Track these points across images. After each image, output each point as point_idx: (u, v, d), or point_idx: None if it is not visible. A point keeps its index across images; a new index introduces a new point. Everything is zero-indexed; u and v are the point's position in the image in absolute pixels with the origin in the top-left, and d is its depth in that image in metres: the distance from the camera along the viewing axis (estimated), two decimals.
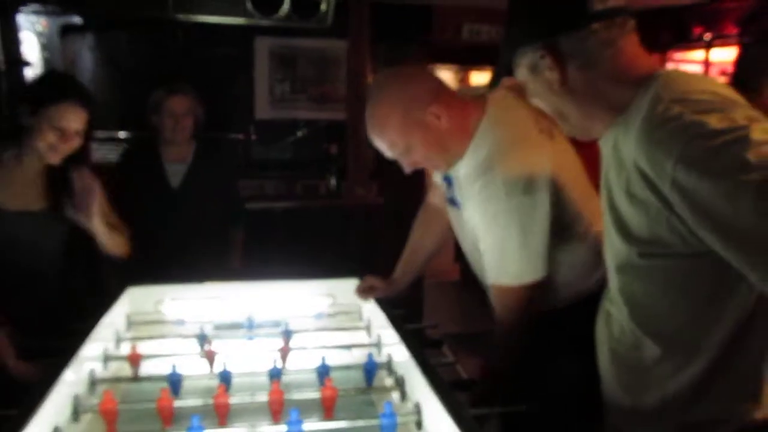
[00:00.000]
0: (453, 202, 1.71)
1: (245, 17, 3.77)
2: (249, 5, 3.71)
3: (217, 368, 1.56)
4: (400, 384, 1.49)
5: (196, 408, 1.34)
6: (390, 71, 1.75)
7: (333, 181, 4.48)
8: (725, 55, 4.99)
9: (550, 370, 1.61)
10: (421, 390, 1.34)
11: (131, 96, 3.27)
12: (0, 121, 2.63)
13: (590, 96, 1.13)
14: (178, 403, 1.37)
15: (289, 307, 2.02)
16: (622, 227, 1.12)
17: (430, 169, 1.68)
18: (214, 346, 1.71)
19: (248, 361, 1.64)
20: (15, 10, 3.61)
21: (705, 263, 1.04)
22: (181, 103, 2.62)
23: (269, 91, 4.92)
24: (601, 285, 1.43)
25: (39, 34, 3.96)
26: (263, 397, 1.38)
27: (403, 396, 1.47)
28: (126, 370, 1.64)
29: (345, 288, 2.01)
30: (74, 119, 1.83)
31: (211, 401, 1.35)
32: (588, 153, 1.43)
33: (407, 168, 1.61)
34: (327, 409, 1.39)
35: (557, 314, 1.65)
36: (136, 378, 1.60)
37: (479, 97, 1.61)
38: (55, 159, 1.85)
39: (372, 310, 1.90)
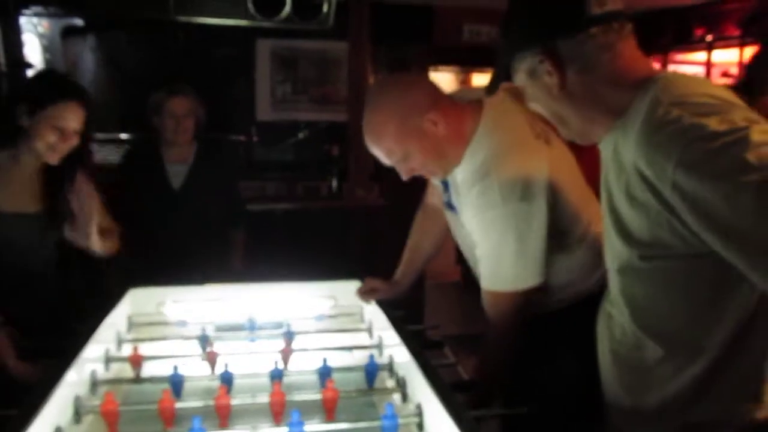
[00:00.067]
0: (450, 206, 1.71)
1: (246, 19, 3.77)
2: (250, 7, 3.71)
3: (219, 369, 1.56)
4: (401, 385, 1.49)
5: (198, 409, 1.34)
6: (386, 78, 1.76)
7: (334, 183, 4.48)
8: (727, 56, 4.99)
9: (549, 370, 1.62)
10: (422, 391, 1.34)
11: (132, 97, 3.27)
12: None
13: (589, 100, 1.13)
14: (179, 405, 1.37)
15: (291, 309, 2.02)
16: (623, 229, 1.12)
17: (427, 176, 1.68)
18: (216, 347, 1.71)
19: (249, 362, 1.64)
20: (17, 13, 3.62)
21: (706, 264, 1.04)
22: (182, 105, 2.62)
23: (270, 93, 4.93)
24: (601, 286, 1.44)
25: (41, 36, 3.97)
26: (264, 399, 1.38)
27: (405, 397, 1.47)
28: (127, 371, 1.64)
29: (346, 290, 2.01)
30: (73, 119, 1.83)
31: (212, 402, 1.35)
32: (589, 156, 1.43)
33: (404, 175, 1.61)
34: (328, 410, 1.39)
35: (556, 315, 1.65)
36: (137, 379, 1.60)
37: (475, 101, 1.61)
38: (54, 159, 1.85)
39: (373, 312, 1.90)
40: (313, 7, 3.86)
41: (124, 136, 4.41)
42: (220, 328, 1.89)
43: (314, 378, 1.55)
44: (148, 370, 1.63)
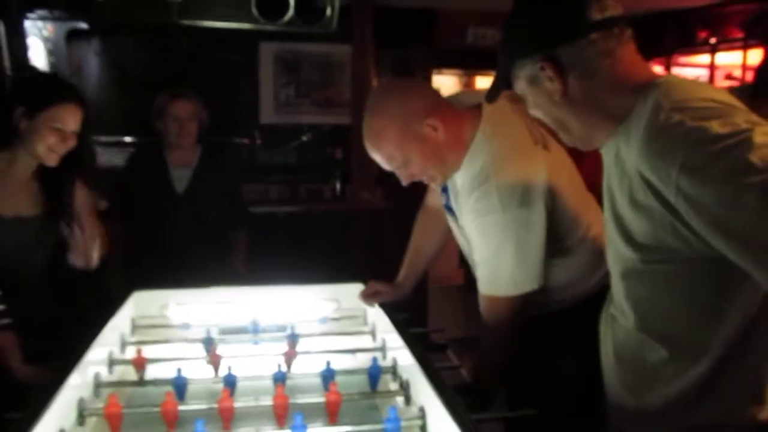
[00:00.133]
0: (449, 209, 1.71)
1: (250, 22, 3.78)
2: (254, 10, 3.72)
3: (222, 372, 1.56)
4: (404, 388, 1.49)
5: (201, 412, 1.34)
6: (386, 84, 1.76)
7: (337, 186, 4.48)
8: (730, 58, 4.99)
9: (549, 370, 1.62)
10: (425, 394, 1.34)
11: (136, 100, 3.28)
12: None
13: (590, 105, 1.14)
14: (182, 407, 1.37)
15: (294, 312, 2.02)
16: (626, 234, 1.12)
17: (427, 182, 1.69)
18: (219, 350, 1.71)
19: (253, 365, 1.64)
20: (22, 17, 3.63)
21: (710, 267, 1.04)
22: (185, 108, 2.63)
23: (274, 96, 4.94)
24: (600, 287, 1.44)
25: (45, 40, 3.98)
26: (268, 402, 1.38)
27: (408, 400, 1.46)
28: (131, 374, 1.65)
29: (349, 292, 2.01)
30: (72, 120, 1.84)
31: (215, 405, 1.36)
32: (590, 161, 1.44)
33: (404, 181, 1.62)
34: (331, 413, 1.39)
35: (556, 315, 1.66)
36: (141, 382, 1.61)
37: (475, 107, 1.62)
38: (53, 161, 1.85)
39: (377, 315, 1.90)
40: (316, 11, 3.87)
41: (128, 139, 4.41)
42: (224, 331, 1.89)
43: (317, 381, 1.56)
44: (152, 372, 1.63)
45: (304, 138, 4.98)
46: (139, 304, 1.96)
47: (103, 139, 4.36)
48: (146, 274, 2.29)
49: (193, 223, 2.63)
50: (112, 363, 1.64)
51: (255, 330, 1.89)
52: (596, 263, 1.61)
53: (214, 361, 1.63)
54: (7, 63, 3.48)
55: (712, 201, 0.93)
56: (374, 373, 1.56)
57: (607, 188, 1.19)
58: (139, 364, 1.63)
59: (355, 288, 1.99)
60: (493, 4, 2.86)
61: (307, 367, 1.63)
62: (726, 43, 4.93)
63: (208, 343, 1.75)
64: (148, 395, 1.52)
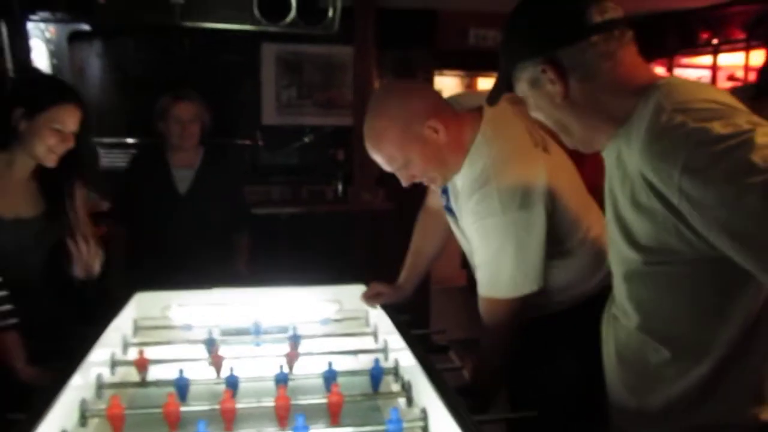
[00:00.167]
0: (449, 210, 1.72)
1: (252, 24, 3.79)
2: (256, 12, 3.73)
3: (224, 373, 1.56)
4: (406, 389, 1.49)
5: (203, 413, 1.34)
6: (388, 85, 1.77)
7: (339, 187, 4.49)
8: (732, 59, 4.99)
9: (549, 371, 1.62)
10: (427, 395, 1.34)
11: (138, 102, 3.29)
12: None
13: (591, 108, 1.14)
14: (184, 408, 1.37)
15: (296, 313, 2.02)
16: (629, 236, 1.13)
17: (427, 184, 1.69)
18: (221, 351, 1.71)
19: (255, 366, 1.64)
20: (24, 18, 3.64)
21: (712, 268, 1.04)
22: (187, 110, 2.63)
23: (276, 97, 4.95)
24: (600, 288, 1.44)
25: (48, 42, 3.99)
26: (269, 403, 1.38)
27: (410, 402, 1.46)
28: (133, 375, 1.65)
29: (351, 294, 2.01)
30: (72, 121, 1.84)
31: (217, 406, 1.36)
32: (591, 163, 1.44)
33: (405, 182, 1.62)
34: (333, 414, 1.39)
35: (556, 316, 1.66)
36: (143, 383, 1.61)
37: (476, 109, 1.62)
38: (52, 161, 1.85)
39: (378, 316, 1.90)
40: (318, 12, 3.87)
41: (130, 140, 4.42)
42: (226, 332, 1.89)
43: (319, 382, 1.56)
44: (154, 373, 1.64)
45: (306, 139, 4.99)
46: (142, 305, 1.96)
47: (106, 140, 4.38)
48: (148, 275, 2.29)
49: (196, 224, 2.63)
50: (114, 364, 1.64)
51: (257, 331, 1.89)
52: (596, 265, 1.61)
53: (216, 362, 1.63)
54: (9, 65, 3.49)
55: (714, 202, 0.93)
56: (376, 375, 1.56)
57: (609, 190, 1.19)
58: (141, 365, 1.63)
59: (357, 289, 1.99)
60: (494, 5, 2.86)
61: (308, 369, 1.63)
62: (728, 44, 4.93)
63: (210, 345, 1.75)
64: (150, 396, 1.52)
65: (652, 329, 1.17)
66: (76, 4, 3.80)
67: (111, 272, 2.19)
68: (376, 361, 1.59)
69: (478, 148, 1.57)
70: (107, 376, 1.57)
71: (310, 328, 1.93)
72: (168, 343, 1.83)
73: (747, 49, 4.79)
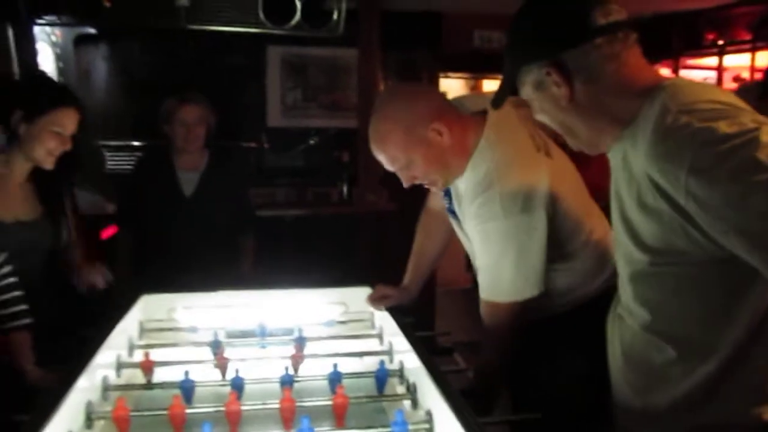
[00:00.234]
0: (452, 212, 1.72)
1: (257, 26, 3.79)
2: (261, 14, 3.74)
3: (229, 375, 1.56)
4: (411, 392, 1.48)
5: (208, 415, 1.34)
6: (394, 87, 1.78)
7: (344, 189, 4.49)
8: (738, 60, 4.97)
9: (551, 371, 1.62)
10: (432, 397, 1.33)
11: (144, 105, 3.30)
12: None
13: (596, 110, 1.14)
14: (190, 410, 1.37)
15: (301, 315, 2.02)
16: (636, 237, 1.13)
17: (428, 186, 1.69)
18: (227, 353, 1.71)
19: (260, 368, 1.64)
20: (31, 22, 3.66)
21: (719, 268, 1.04)
22: (192, 112, 2.64)
23: (281, 100, 4.96)
24: (603, 290, 1.44)
25: (54, 45, 4.01)
26: (275, 405, 1.38)
27: (415, 404, 1.46)
28: (139, 377, 1.65)
29: (357, 296, 2.01)
30: (71, 123, 1.85)
31: (222, 408, 1.36)
32: (596, 165, 1.43)
33: (406, 182, 1.63)
34: (338, 416, 1.39)
35: (559, 318, 1.66)
36: (148, 385, 1.61)
37: (480, 113, 1.62)
38: (51, 164, 1.86)
39: (384, 318, 1.90)
40: (323, 15, 3.87)
41: (136, 143, 4.44)
42: (231, 334, 1.89)
43: (324, 384, 1.56)
44: (159, 376, 1.64)
45: (311, 141, 5.00)
46: (147, 307, 1.96)
47: (111, 143, 4.40)
48: (154, 277, 2.30)
49: (201, 226, 2.64)
50: (120, 366, 1.64)
51: (262, 333, 1.89)
52: (598, 268, 1.61)
53: (222, 364, 1.63)
54: (16, 68, 3.51)
55: (720, 201, 0.93)
56: (381, 377, 1.56)
57: (615, 192, 1.19)
58: (147, 367, 1.63)
59: (362, 291, 1.99)
60: (499, 7, 2.86)
61: (314, 370, 1.63)
62: (734, 45, 4.92)
63: (216, 347, 1.75)
64: (155, 398, 1.52)
65: (658, 329, 1.17)
66: (82, 8, 3.82)
67: (116, 275, 2.19)
68: (381, 363, 1.59)
69: (481, 152, 1.57)
70: (113, 378, 1.58)
71: (316, 330, 1.93)
72: (173, 345, 1.83)
73: (753, 50, 4.77)
